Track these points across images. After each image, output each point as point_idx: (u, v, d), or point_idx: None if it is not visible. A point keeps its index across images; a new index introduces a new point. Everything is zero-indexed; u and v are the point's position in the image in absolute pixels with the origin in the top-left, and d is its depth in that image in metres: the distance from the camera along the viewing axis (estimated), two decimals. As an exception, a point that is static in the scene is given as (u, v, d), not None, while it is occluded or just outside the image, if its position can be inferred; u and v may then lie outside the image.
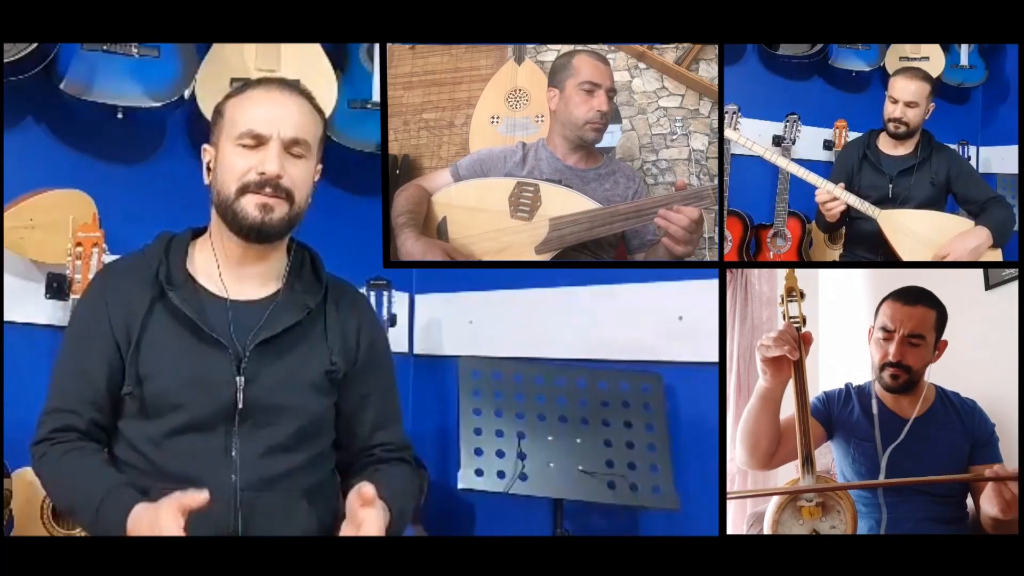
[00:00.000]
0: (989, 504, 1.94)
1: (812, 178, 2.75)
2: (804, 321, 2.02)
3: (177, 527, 1.45)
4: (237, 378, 1.63)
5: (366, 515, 1.56)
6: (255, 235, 1.67)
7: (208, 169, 1.71)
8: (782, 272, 2.09)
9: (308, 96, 1.74)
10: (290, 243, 1.77)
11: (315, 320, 1.73)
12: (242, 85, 1.74)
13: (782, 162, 2.84)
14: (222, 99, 1.73)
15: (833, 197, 2.69)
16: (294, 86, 1.75)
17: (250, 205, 1.65)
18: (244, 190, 1.65)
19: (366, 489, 1.56)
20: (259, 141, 1.65)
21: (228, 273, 1.72)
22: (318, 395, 1.71)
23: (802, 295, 2.03)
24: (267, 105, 1.68)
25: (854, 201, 2.70)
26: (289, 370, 1.68)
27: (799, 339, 2.00)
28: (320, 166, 1.76)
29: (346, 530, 1.58)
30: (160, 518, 1.47)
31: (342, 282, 1.83)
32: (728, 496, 2.16)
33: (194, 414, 1.62)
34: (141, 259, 1.72)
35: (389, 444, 1.80)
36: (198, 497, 1.47)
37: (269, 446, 1.64)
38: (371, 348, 1.80)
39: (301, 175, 1.68)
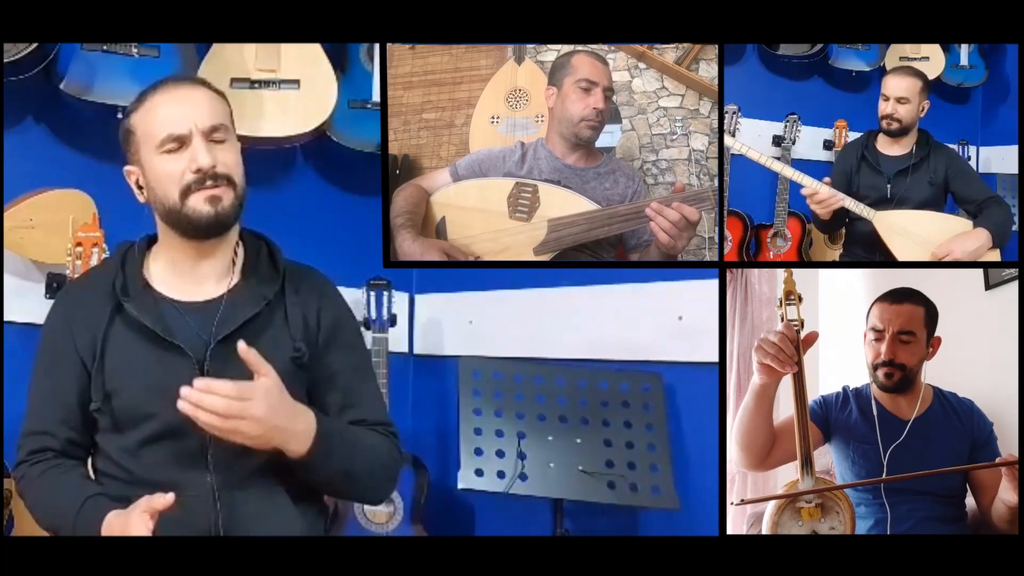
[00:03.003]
0: (1008, 493, 1.94)
1: (807, 180, 2.75)
2: (803, 324, 2.02)
3: (146, 529, 1.46)
4: None
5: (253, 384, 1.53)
6: (212, 229, 1.66)
7: (139, 188, 1.70)
8: (781, 273, 2.08)
9: (204, 83, 1.72)
10: (243, 234, 1.75)
11: (275, 309, 1.70)
12: (138, 98, 1.71)
13: (777, 166, 2.83)
14: (124, 118, 1.71)
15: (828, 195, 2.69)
16: (188, 79, 1.75)
17: (199, 203, 1.63)
18: (187, 191, 1.63)
19: (241, 345, 1.52)
20: (181, 141, 1.63)
21: (184, 277, 1.70)
22: (288, 384, 1.66)
23: (800, 298, 2.03)
24: (173, 105, 1.66)
25: (850, 203, 2.70)
26: None
27: (798, 350, 1.99)
28: (239, 144, 1.73)
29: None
30: (129, 522, 1.48)
31: (303, 267, 1.80)
32: (730, 504, 2.15)
33: (165, 422, 1.61)
34: (99, 273, 1.73)
35: (363, 421, 1.74)
36: (165, 499, 1.48)
37: (243, 443, 1.63)
38: (334, 327, 1.75)
39: (231, 157, 1.67)
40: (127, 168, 1.71)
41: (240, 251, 1.74)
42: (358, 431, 1.71)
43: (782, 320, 2.02)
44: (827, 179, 2.75)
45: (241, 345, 1.53)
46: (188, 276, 1.70)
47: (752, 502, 2.02)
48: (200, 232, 1.66)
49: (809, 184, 2.71)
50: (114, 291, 1.66)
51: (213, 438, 1.60)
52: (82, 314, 1.67)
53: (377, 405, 1.80)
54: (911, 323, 2.09)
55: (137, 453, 1.62)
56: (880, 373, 2.10)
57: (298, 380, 1.69)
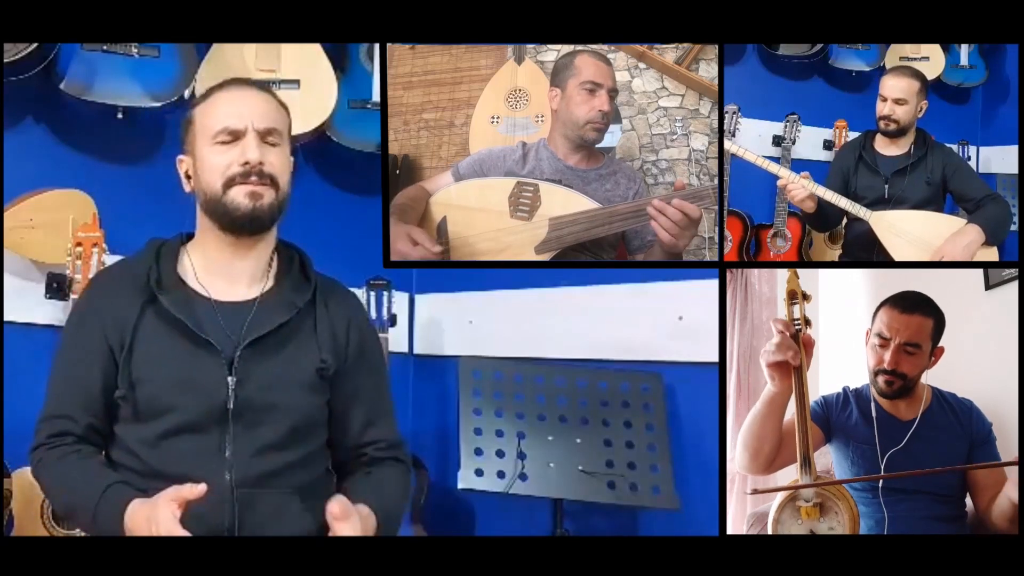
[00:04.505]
0: (1014, 490, 1.94)
1: (784, 172, 2.75)
2: (807, 323, 2.02)
3: (173, 519, 1.46)
4: (228, 378, 1.64)
5: (344, 530, 1.58)
6: (248, 224, 1.69)
7: (187, 177, 1.75)
8: (782, 273, 2.08)
9: (271, 92, 1.78)
10: (278, 243, 1.79)
11: (304, 319, 1.74)
12: (206, 92, 1.78)
13: (773, 168, 2.84)
14: (188, 109, 1.77)
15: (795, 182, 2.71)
16: (257, 84, 1.80)
17: (239, 195, 1.67)
18: (230, 183, 1.67)
19: (333, 507, 1.58)
20: (235, 136, 1.68)
21: (217, 275, 1.73)
22: (310, 393, 1.72)
23: (805, 297, 2.02)
24: (236, 102, 1.72)
25: (846, 204, 2.71)
26: (280, 369, 1.69)
27: (798, 340, 1.99)
28: (292, 159, 1.78)
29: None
30: (157, 510, 1.49)
31: (332, 280, 1.84)
32: (752, 492, 2.15)
33: (187, 416, 1.63)
34: (131, 265, 1.74)
35: (381, 441, 1.80)
36: (195, 489, 1.49)
37: (261, 445, 1.65)
38: (361, 345, 1.80)
39: (280, 162, 1.71)
40: (179, 157, 1.77)
41: (275, 258, 1.77)
42: (387, 486, 1.77)
43: (787, 319, 2.02)
44: (805, 173, 2.77)
45: (335, 507, 1.58)
46: (222, 274, 1.73)
47: (766, 492, 2.01)
48: (235, 225, 1.69)
49: (784, 175, 2.73)
50: (148, 283, 1.69)
51: (232, 436, 1.63)
52: (113, 302, 1.69)
53: (394, 425, 1.86)
54: (918, 335, 2.08)
55: (156, 445, 1.64)
56: (881, 380, 2.09)
57: (319, 390, 1.73)
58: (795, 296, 2.02)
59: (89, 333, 1.68)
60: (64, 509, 1.73)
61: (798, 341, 2.00)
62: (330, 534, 1.59)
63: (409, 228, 2.17)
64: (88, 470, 1.63)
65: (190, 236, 1.78)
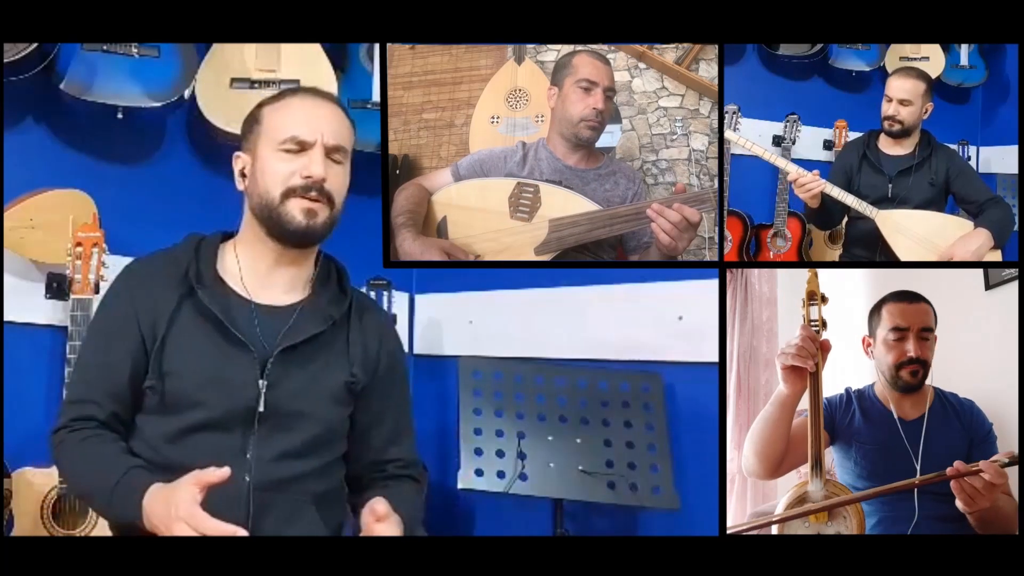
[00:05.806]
0: (958, 502, 1.95)
1: (791, 167, 2.75)
2: (824, 325, 2.02)
3: (194, 501, 1.45)
4: (260, 381, 1.64)
5: (381, 530, 1.58)
6: (298, 239, 1.69)
7: (242, 176, 1.73)
8: (783, 273, 2.08)
9: (342, 106, 1.77)
10: (318, 253, 1.79)
11: (338, 331, 1.74)
12: (278, 93, 1.77)
13: (781, 163, 2.85)
14: (256, 107, 1.75)
15: (812, 178, 2.71)
16: (330, 96, 1.79)
17: (295, 209, 1.67)
18: (289, 194, 1.66)
19: (379, 506, 1.59)
20: (303, 146, 1.67)
21: (257, 278, 1.73)
22: (336, 405, 1.72)
23: (824, 299, 2.03)
24: (309, 112, 1.71)
25: (852, 201, 2.71)
26: (310, 378, 1.69)
27: (819, 349, 2.00)
28: (349, 176, 1.78)
29: None
30: (177, 492, 1.48)
31: (367, 297, 1.87)
32: (728, 530, 2.16)
33: (212, 413, 1.63)
34: (170, 258, 1.73)
35: (400, 460, 1.82)
36: (218, 472, 1.47)
37: (282, 451, 1.65)
38: (391, 364, 1.82)
39: (340, 180, 1.72)
40: (236, 154, 1.75)
41: (314, 267, 1.78)
42: (407, 500, 1.76)
43: (804, 321, 2.02)
44: (815, 171, 2.77)
45: (381, 506, 1.60)
46: (261, 279, 1.73)
47: (749, 529, 2.03)
48: (285, 237, 1.69)
49: (793, 170, 2.73)
50: (187, 277, 1.68)
51: (257, 439, 1.63)
52: (149, 293, 1.69)
53: (413, 444, 1.88)
54: (929, 320, 2.13)
55: (178, 440, 1.64)
56: (906, 372, 2.10)
57: (345, 403, 1.75)
58: (814, 297, 2.03)
59: (122, 321, 1.68)
60: (81, 492, 1.73)
61: (818, 346, 2.01)
62: (364, 533, 1.59)
63: (441, 242, 2.17)
64: (109, 454, 1.63)
65: (228, 235, 1.78)
